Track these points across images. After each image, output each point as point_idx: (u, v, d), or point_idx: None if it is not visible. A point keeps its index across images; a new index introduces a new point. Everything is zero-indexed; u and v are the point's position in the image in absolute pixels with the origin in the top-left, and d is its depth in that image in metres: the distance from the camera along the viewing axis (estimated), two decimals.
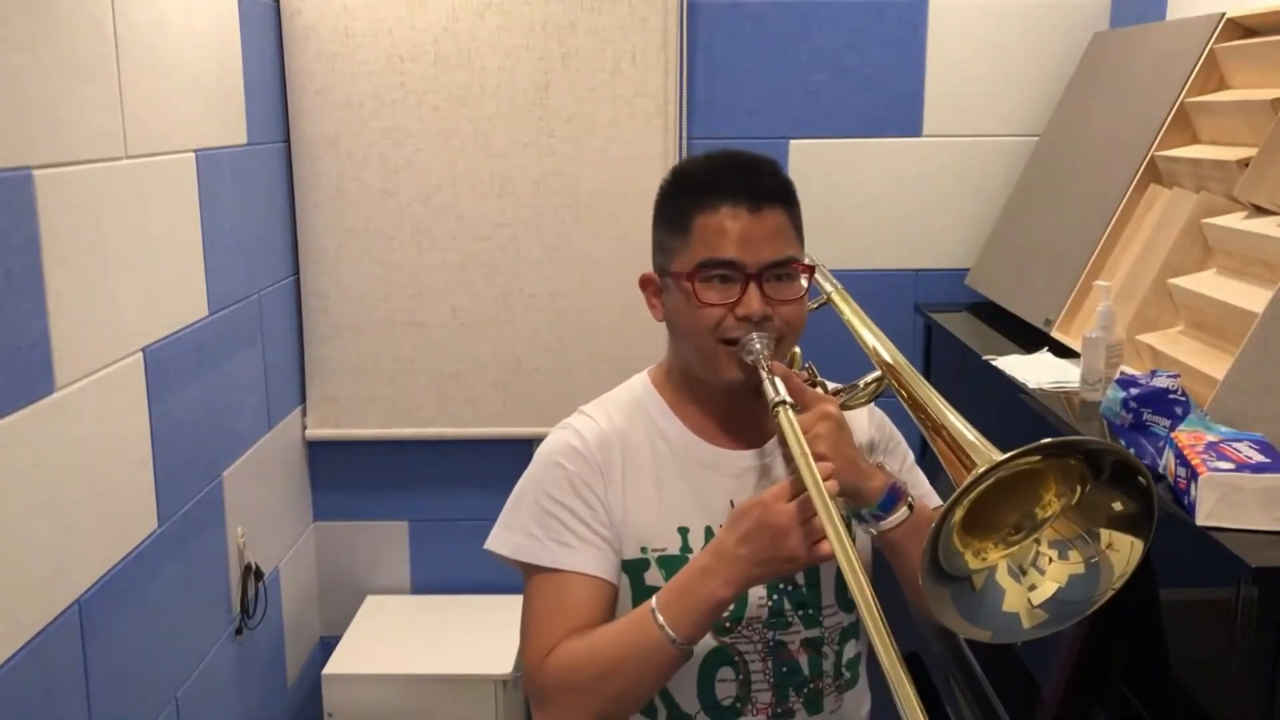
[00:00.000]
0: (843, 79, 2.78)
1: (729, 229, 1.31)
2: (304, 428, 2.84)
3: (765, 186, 1.33)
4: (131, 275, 1.87)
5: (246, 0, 2.43)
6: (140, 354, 1.90)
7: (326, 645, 2.88)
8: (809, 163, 2.80)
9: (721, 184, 1.33)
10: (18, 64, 1.54)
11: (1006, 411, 2.01)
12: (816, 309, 1.51)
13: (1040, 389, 1.93)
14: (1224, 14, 2.04)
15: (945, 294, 2.84)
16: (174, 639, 2.04)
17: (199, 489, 2.16)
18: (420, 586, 2.97)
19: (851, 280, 2.83)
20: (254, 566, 2.41)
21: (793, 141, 2.80)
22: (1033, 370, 2.02)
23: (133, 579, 1.86)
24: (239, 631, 2.36)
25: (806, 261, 1.38)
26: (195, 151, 2.14)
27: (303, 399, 2.84)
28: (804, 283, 1.37)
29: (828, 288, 1.56)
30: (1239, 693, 1.31)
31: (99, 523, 1.76)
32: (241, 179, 2.41)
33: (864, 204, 2.83)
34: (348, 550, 2.96)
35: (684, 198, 1.36)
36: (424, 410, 2.84)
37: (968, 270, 2.80)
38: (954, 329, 2.51)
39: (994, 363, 2.11)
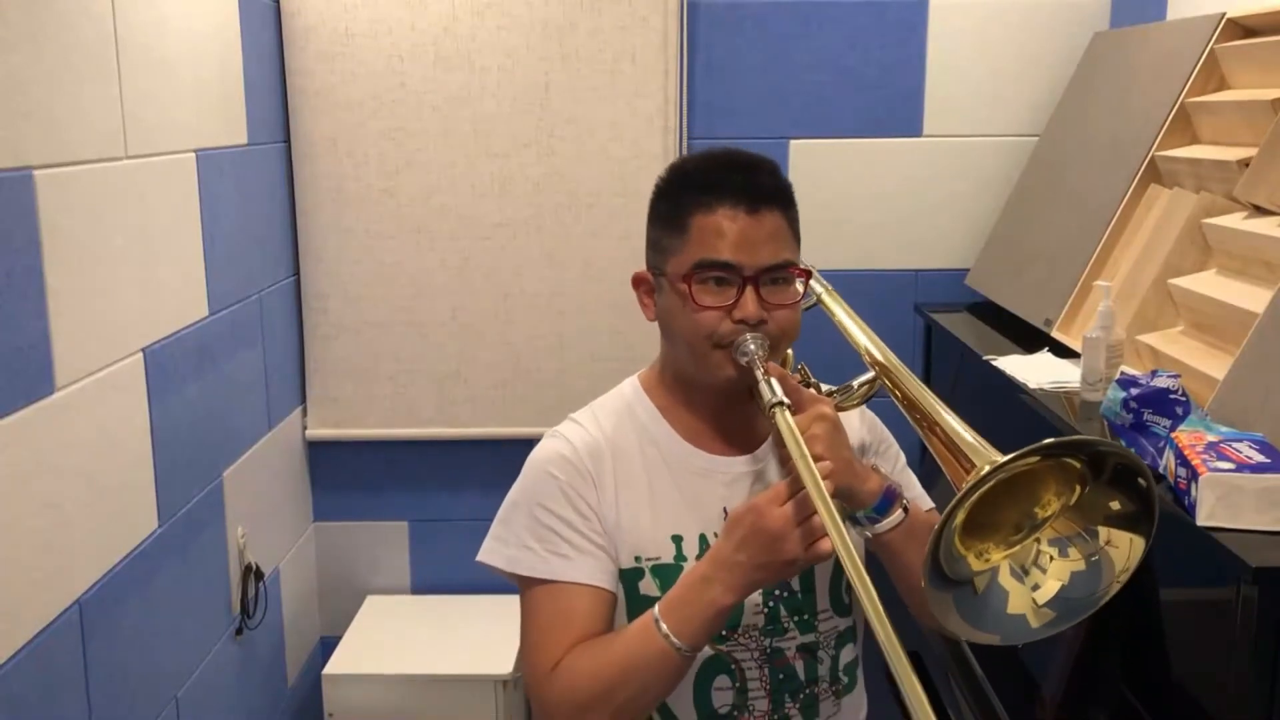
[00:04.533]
0: (843, 79, 2.78)
1: (726, 230, 1.29)
2: (304, 428, 2.84)
3: (764, 187, 1.31)
4: (131, 275, 1.87)
5: (246, 0, 2.43)
6: (140, 354, 1.90)
7: (326, 645, 2.88)
8: (809, 163, 2.80)
9: (720, 183, 1.31)
10: (18, 64, 1.55)
11: (1007, 412, 2.01)
12: (807, 309, 1.48)
13: (1040, 389, 1.93)
14: (1224, 14, 2.04)
15: (945, 294, 2.84)
16: (174, 639, 2.04)
17: (199, 489, 2.16)
18: (420, 586, 2.97)
19: (851, 280, 2.87)
20: (254, 566, 2.41)
21: (793, 141, 2.80)
22: (1033, 370, 2.02)
23: (133, 579, 1.86)
24: (239, 631, 2.36)
25: (802, 265, 1.35)
26: (195, 151, 2.14)
27: (303, 399, 2.84)
28: (799, 287, 1.34)
29: (818, 289, 1.53)
30: (1239, 693, 1.31)
31: (99, 523, 1.76)
32: (241, 179, 2.41)
33: (864, 204, 2.83)
34: (348, 550, 2.96)
35: (681, 196, 1.34)
36: (424, 410, 2.84)
37: (968, 270, 2.80)
38: (954, 329, 2.51)
39: (994, 363, 2.11)
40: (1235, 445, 1.38)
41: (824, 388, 1.43)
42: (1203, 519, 1.33)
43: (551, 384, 2.84)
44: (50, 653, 1.60)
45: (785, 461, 1.25)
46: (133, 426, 1.88)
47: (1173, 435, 1.47)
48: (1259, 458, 1.34)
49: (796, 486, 1.17)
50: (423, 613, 2.87)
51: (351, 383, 2.83)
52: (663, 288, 1.36)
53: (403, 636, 2.75)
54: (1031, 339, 2.25)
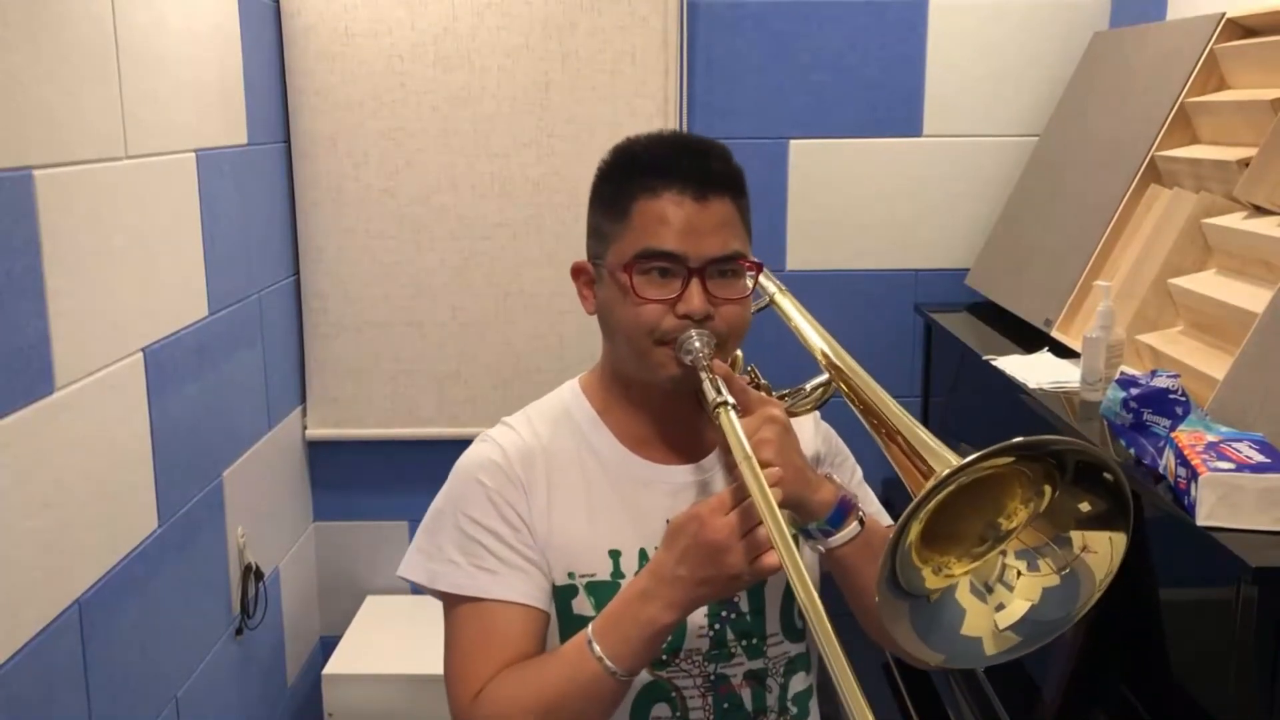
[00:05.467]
0: (843, 79, 2.78)
1: (672, 217, 1.19)
2: (304, 428, 2.84)
3: (714, 173, 1.22)
4: (131, 275, 1.87)
5: (246, 0, 2.43)
6: (140, 354, 1.90)
7: (326, 645, 2.88)
8: (809, 163, 2.80)
9: (667, 167, 1.21)
10: (18, 64, 1.54)
11: (1006, 412, 2.01)
12: (758, 312, 1.39)
13: (1040, 389, 1.93)
14: (1224, 14, 2.04)
15: (945, 294, 2.84)
16: (174, 639, 2.04)
17: (199, 489, 2.16)
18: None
19: (851, 280, 2.88)
20: (254, 566, 2.41)
21: (793, 141, 2.80)
22: (1033, 370, 2.02)
23: (133, 579, 1.86)
24: (239, 631, 2.36)
25: (753, 258, 1.26)
26: (195, 151, 2.14)
27: (303, 399, 2.84)
28: (749, 282, 1.25)
29: (770, 288, 1.42)
30: (1239, 693, 1.31)
31: (99, 523, 1.76)
32: (241, 179, 2.41)
33: (864, 204, 2.82)
34: (348, 550, 2.96)
35: (625, 180, 1.24)
36: (424, 410, 2.84)
37: (968, 270, 2.80)
38: (954, 329, 2.51)
39: (994, 363, 2.11)
40: (1235, 445, 1.38)
41: (774, 392, 1.35)
42: (1202, 519, 1.33)
43: (551, 384, 2.81)
44: (50, 653, 1.60)
45: (733, 469, 1.15)
46: (132, 426, 1.88)
47: (1172, 435, 1.47)
48: (1259, 458, 1.34)
49: (742, 494, 1.08)
50: (423, 613, 2.86)
51: (351, 382, 2.83)
52: (603, 278, 1.26)
53: (403, 636, 2.75)
54: (1031, 339, 2.25)
